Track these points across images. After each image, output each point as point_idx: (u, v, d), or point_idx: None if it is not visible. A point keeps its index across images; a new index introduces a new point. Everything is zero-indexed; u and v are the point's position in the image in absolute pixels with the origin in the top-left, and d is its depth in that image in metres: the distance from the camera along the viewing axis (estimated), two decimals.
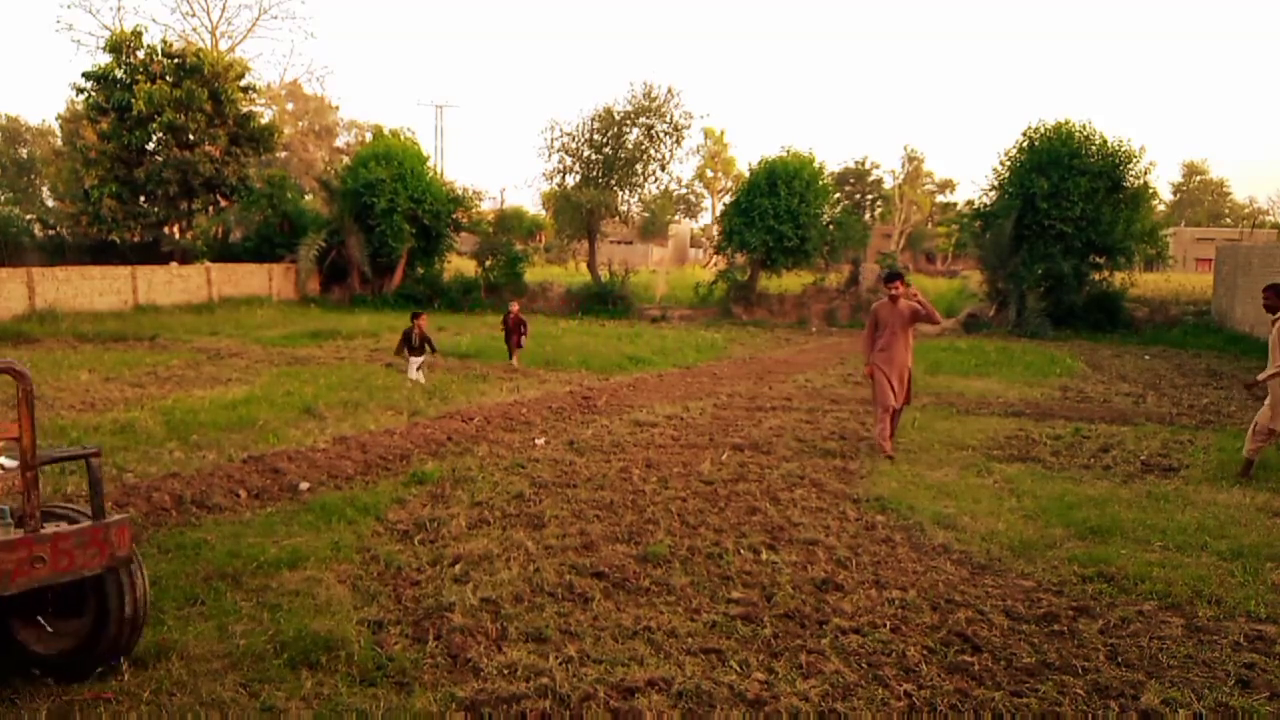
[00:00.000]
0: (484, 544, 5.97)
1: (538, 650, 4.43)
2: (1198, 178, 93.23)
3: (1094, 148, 24.06)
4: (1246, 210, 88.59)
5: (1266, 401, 8.15)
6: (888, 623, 4.83)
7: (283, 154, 44.02)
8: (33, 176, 56.57)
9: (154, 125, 28.54)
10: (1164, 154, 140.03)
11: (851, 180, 71.18)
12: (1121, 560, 5.79)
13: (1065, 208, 23.57)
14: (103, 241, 30.37)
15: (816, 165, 28.09)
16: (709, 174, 74.33)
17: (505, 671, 4.19)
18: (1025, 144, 24.94)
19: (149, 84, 28.36)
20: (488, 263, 29.90)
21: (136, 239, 30.85)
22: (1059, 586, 5.43)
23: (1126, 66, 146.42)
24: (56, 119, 45.33)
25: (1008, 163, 25.33)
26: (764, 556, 5.86)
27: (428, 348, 13.31)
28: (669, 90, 29.23)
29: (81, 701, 3.86)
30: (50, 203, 47.85)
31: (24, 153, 59.39)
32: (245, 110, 31.11)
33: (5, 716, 3.76)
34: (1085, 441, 9.84)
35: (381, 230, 27.82)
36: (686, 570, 5.61)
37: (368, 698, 3.95)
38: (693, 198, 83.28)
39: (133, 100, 28.08)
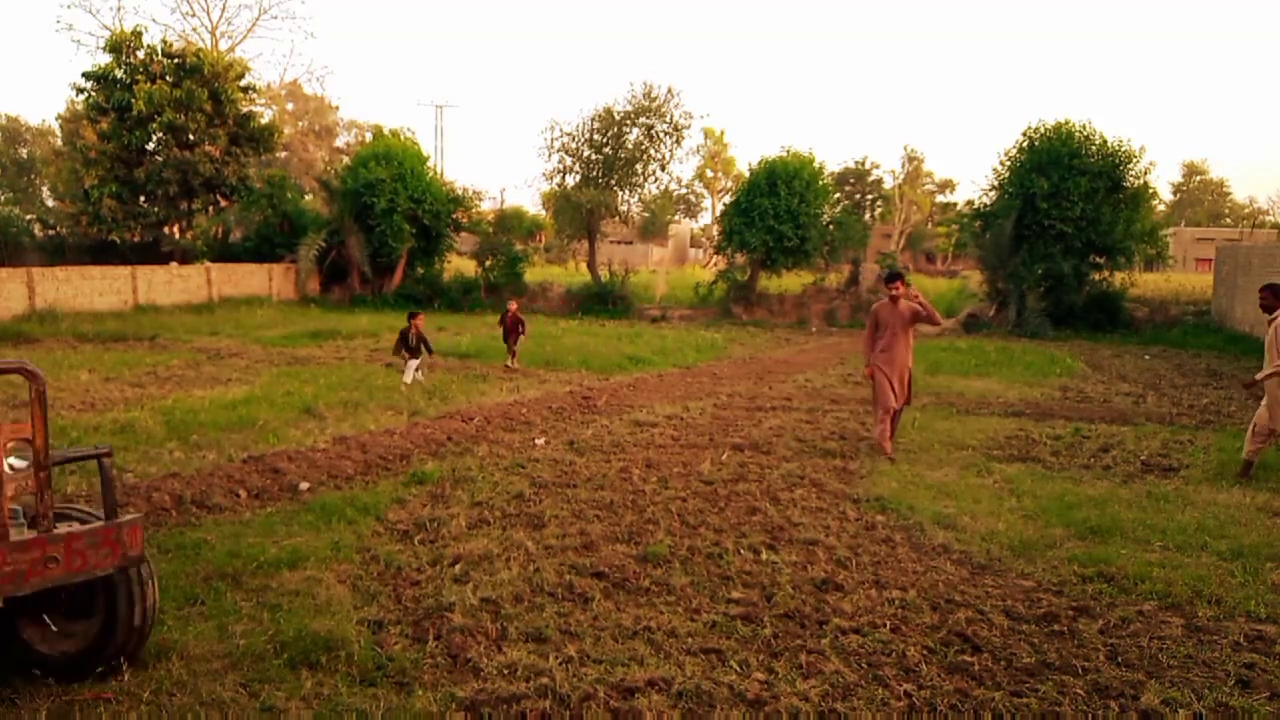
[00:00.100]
0: (484, 544, 5.97)
1: (538, 650, 4.43)
2: (1198, 178, 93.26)
3: (1094, 148, 24.06)
4: (1246, 210, 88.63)
5: (1264, 402, 8.16)
6: (888, 623, 4.83)
7: (283, 154, 44.03)
8: (33, 176, 56.59)
9: (154, 125, 28.54)
10: (1164, 154, 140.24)
11: (851, 180, 71.19)
12: (1121, 560, 5.79)
13: (1065, 208, 23.57)
14: (103, 241, 30.38)
15: (816, 165, 28.09)
16: (709, 174, 74.34)
17: (505, 671, 4.19)
18: (1025, 144, 24.94)
19: (149, 84, 28.36)
20: (488, 263, 29.90)
21: (136, 239, 30.86)
22: (1059, 586, 5.43)
23: (1126, 66, 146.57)
24: (56, 119, 45.38)
25: (1008, 163, 25.33)
26: (764, 556, 5.86)
27: (424, 349, 13.06)
28: (669, 90, 29.26)
29: (81, 701, 3.86)
30: (50, 203, 47.85)
31: (24, 153, 59.41)
32: (245, 110, 31.11)
33: (5, 716, 3.76)
34: (1085, 441, 9.84)
35: (381, 230, 27.82)
36: (686, 570, 5.61)
37: (368, 698, 3.95)
38: (693, 198, 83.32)
39: (133, 100, 28.09)
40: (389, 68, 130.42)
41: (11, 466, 3.94)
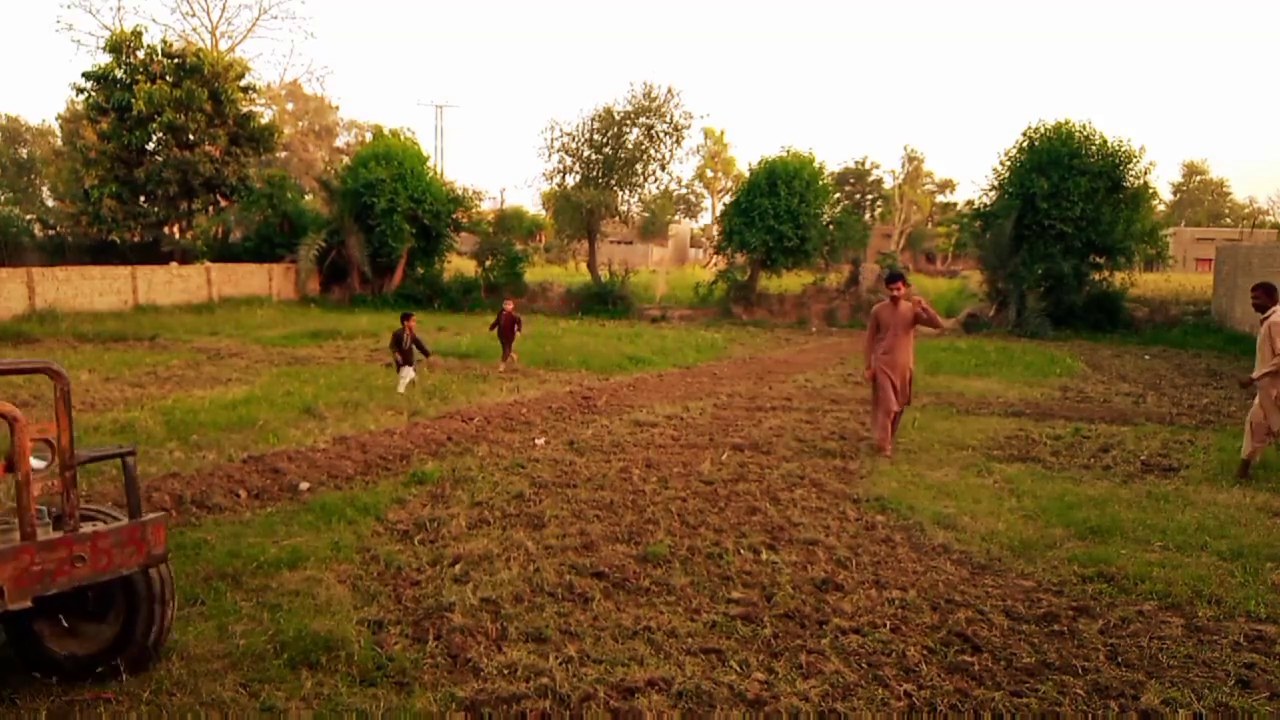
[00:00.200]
0: (484, 544, 5.97)
1: (538, 650, 4.43)
2: (1198, 178, 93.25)
3: (1094, 148, 24.06)
4: (1246, 210, 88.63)
5: (1256, 400, 8.17)
6: (888, 623, 4.83)
7: (283, 154, 44.03)
8: (33, 176, 56.59)
9: (154, 125, 28.56)
10: (1164, 154, 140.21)
11: (851, 180, 71.19)
12: (1121, 560, 5.79)
13: (1065, 208, 23.57)
14: (103, 241, 30.39)
15: (816, 165, 28.10)
16: (709, 174, 74.35)
17: (505, 671, 4.19)
18: (1025, 144, 24.95)
19: (149, 84, 28.37)
20: (488, 263, 29.91)
21: (136, 239, 30.87)
22: (1059, 586, 5.43)
23: (1126, 66, 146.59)
24: (56, 119, 45.40)
25: (1008, 163, 25.34)
26: (764, 556, 5.86)
27: (418, 351, 12.68)
28: (669, 90, 29.30)
29: (81, 701, 3.86)
30: (50, 203, 47.87)
31: (24, 153, 59.41)
32: (245, 110, 31.13)
33: (5, 716, 3.76)
34: (1085, 441, 9.83)
35: (381, 230, 27.83)
36: (686, 570, 5.61)
37: (368, 698, 3.95)
38: (693, 198, 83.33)
39: (133, 100, 28.10)
40: (389, 68, 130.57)
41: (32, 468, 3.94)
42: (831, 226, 28.53)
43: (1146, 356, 19.00)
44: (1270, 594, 5.28)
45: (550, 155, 30.29)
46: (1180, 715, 3.89)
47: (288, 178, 32.75)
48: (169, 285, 25.02)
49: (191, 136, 29.19)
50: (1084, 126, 24.39)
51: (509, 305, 15.70)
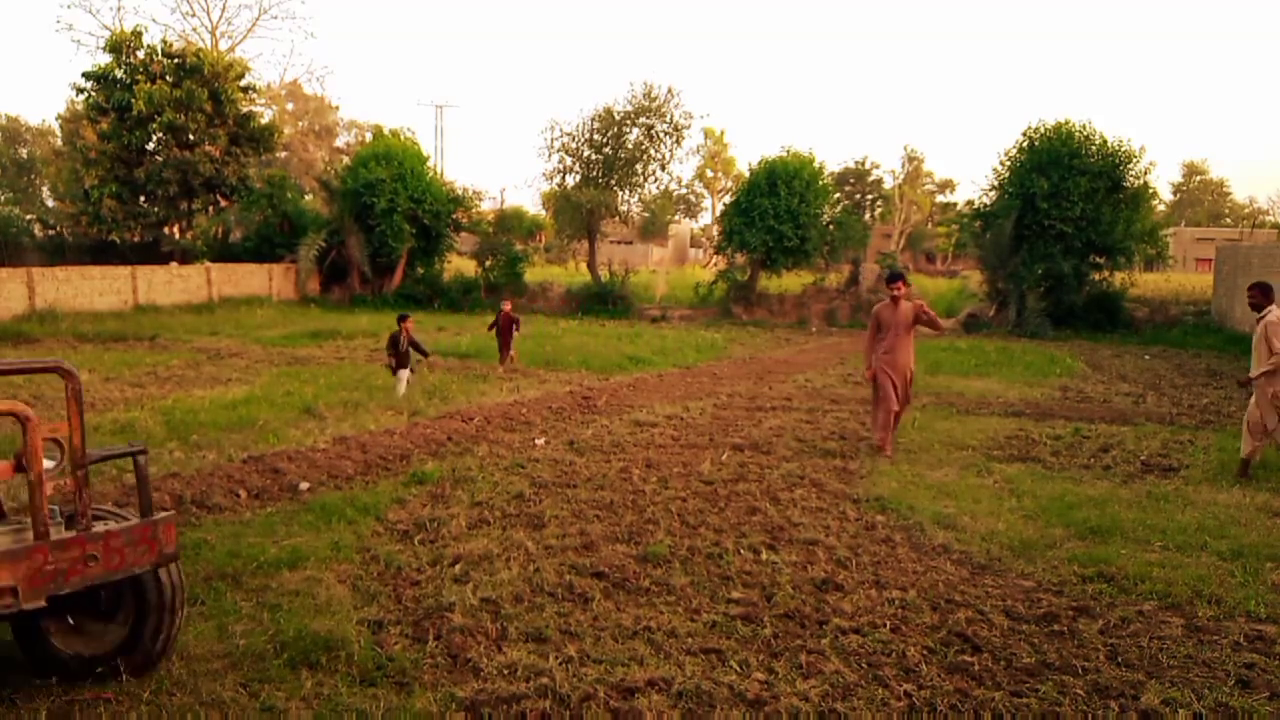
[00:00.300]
0: (484, 544, 5.97)
1: (538, 650, 4.43)
2: (1198, 178, 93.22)
3: (1094, 148, 24.07)
4: (1246, 210, 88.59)
5: (1252, 400, 8.19)
6: (888, 623, 4.83)
7: (283, 154, 44.03)
8: (33, 176, 56.58)
9: (154, 125, 28.56)
10: (1164, 154, 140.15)
11: (851, 180, 71.17)
12: (1121, 560, 5.79)
13: (1065, 208, 23.57)
14: (103, 241, 30.39)
15: (816, 165, 28.11)
16: (709, 174, 74.34)
17: (505, 671, 4.19)
18: (1025, 144, 24.95)
19: (149, 84, 28.37)
20: (488, 263, 29.91)
21: (136, 239, 30.87)
22: (1059, 586, 5.43)
23: (1126, 66, 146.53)
24: (56, 119, 45.40)
25: (1008, 163, 25.34)
26: (764, 556, 5.86)
27: (416, 352, 12.48)
28: (669, 90, 29.30)
29: (81, 701, 3.86)
30: (50, 203, 47.87)
31: (24, 153, 59.38)
32: (245, 110, 31.13)
33: (5, 716, 3.76)
34: (1085, 441, 9.84)
35: (381, 230, 27.83)
36: (686, 570, 5.61)
37: (368, 698, 3.95)
38: (693, 198, 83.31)
39: (133, 100, 28.10)
40: (389, 68, 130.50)
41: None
42: (831, 226, 28.53)
43: (1146, 356, 19.00)
44: (1270, 594, 5.28)
45: (550, 155, 30.34)
46: (1180, 715, 3.89)
47: (288, 178, 32.76)
48: (169, 285, 25.03)
49: (191, 136, 29.19)
50: (1084, 126, 24.40)
51: (507, 305, 15.56)
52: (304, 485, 7.33)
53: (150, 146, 29.50)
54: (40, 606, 3.50)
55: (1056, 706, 3.97)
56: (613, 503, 7.07)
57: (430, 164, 31.11)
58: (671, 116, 29.32)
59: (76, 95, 30.53)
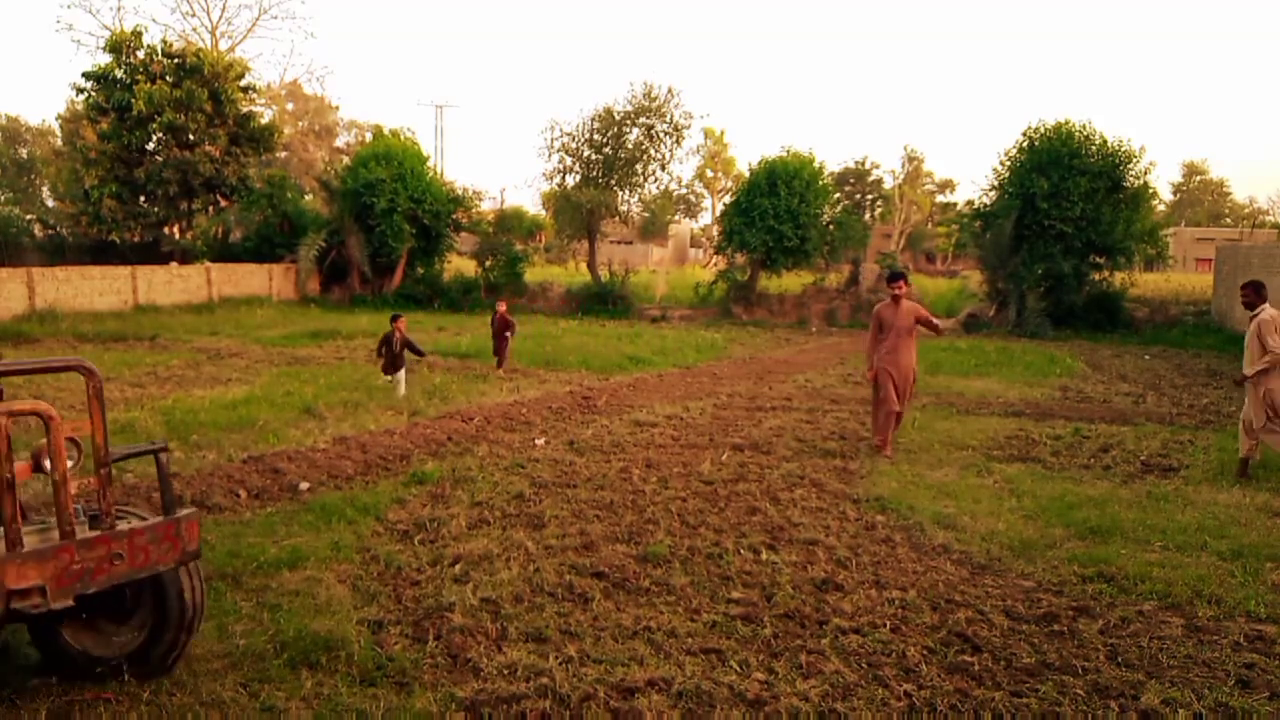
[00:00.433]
0: (484, 544, 5.97)
1: (538, 650, 4.43)
2: (1198, 178, 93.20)
3: (1094, 148, 24.06)
4: (1246, 210, 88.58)
5: (1247, 400, 8.23)
6: (888, 623, 4.83)
7: (283, 154, 44.02)
8: (33, 176, 56.57)
9: (154, 125, 28.54)
10: (1164, 154, 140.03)
11: (851, 180, 71.17)
12: (1121, 560, 5.79)
13: (1065, 208, 23.57)
14: (103, 241, 30.38)
15: (816, 165, 28.09)
16: (709, 174, 74.33)
17: (505, 671, 4.19)
18: (1025, 144, 24.94)
19: (149, 84, 28.36)
20: (488, 263, 29.91)
21: (136, 239, 30.86)
22: (1059, 586, 5.43)
23: (1126, 66, 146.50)
24: (56, 119, 45.44)
25: (1008, 163, 25.34)
26: (764, 556, 5.86)
27: (410, 353, 12.36)
28: (669, 90, 29.28)
29: (81, 701, 3.86)
30: (50, 203, 47.86)
31: (24, 153, 59.37)
32: (245, 110, 31.11)
33: (5, 717, 3.76)
34: (1085, 441, 9.84)
35: (381, 230, 27.82)
36: (686, 570, 5.61)
37: (368, 698, 3.95)
38: (693, 198, 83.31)
39: (133, 100, 28.09)
40: (389, 68, 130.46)
41: (44, 470, 3.94)
42: (831, 226, 28.52)
43: (1146, 356, 19.00)
44: (1270, 594, 5.28)
45: (550, 155, 30.32)
46: (1180, 715, 3.89)
47: (288, 178, 32.75)
48: (169, 285, 25.02)
49: (191, 136, 29.18)
50: (1084, 126, 24.39)
51: (502, 306, 15.21)
52: (304, 485, 7.33)
53: (150, 146, 29.49)
54: (68, 606, 3.50)
55: (1056, 706, 3.97)
56: (613, 503, 7.07)
57: (430, 164, 31.11)
58: (671, 116, 29.32)
59: (76, 95, 30.54)
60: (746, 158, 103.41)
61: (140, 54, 29.39)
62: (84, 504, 3.89)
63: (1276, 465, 8.41)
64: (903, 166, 74.32)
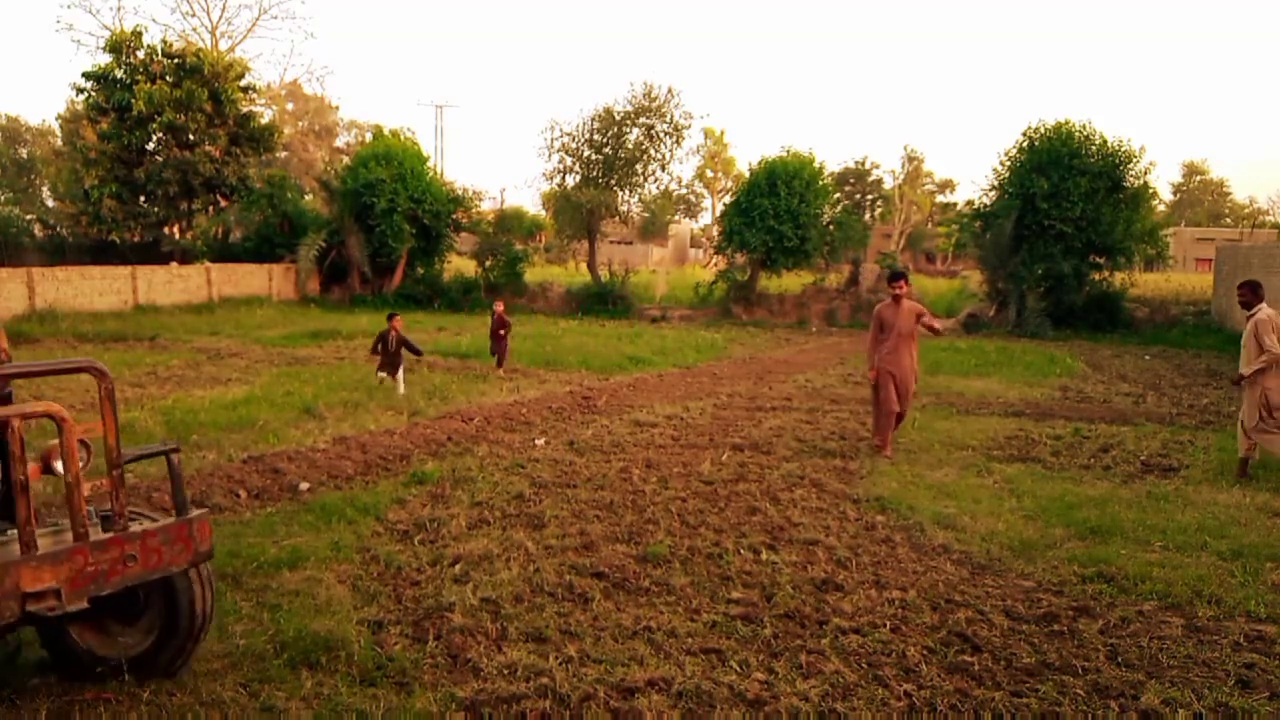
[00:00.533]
0: (484, 544, 5.97)
1: (538, 650, 4.43)
2: (1198, 178, 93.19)
3: (1094, 148, 24.05)
4: (1246, 210, 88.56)
5: (1245, 400, 8.26)
6: (888, 623, 4.83)
7: (283, 154, 44.00)
8: (33, 176, 56.57)
9: (154, 125, 28.54)
10: (1164, 154, 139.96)
11: (851, 180, 71.16)
12: (1121, 560, 5.79)
13: (1065, 208, 23.56)
14: (103, 241, 30.38)
15: (816, 165, 28.07)
16: (709, 174, 74.35)
17: (505, 671, 4.19)
18: (1025, 144, 24.93)
19: (149, 84, 28.35)
20: (488, 263, 29.91)
21: (136, 239, 30.85)
22: (1059, 586, 5.43)
23: (1126, 66, 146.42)
24: (56, 119, 45.42)
25: (1008, 163, 25.32)
26: (764, 556, 5.86)
27: (408, 352, 12.25)
28: (669, 90, 29.27)
29: (81, 701, 3.86)
30: (50, 203, 47.86)
31: (24, 153, 59.37)
32: (245, 110, 31.10)
33: (5, 717, 3.76)
34: (1085, 441, 9.84)
35: (381, 230, 27.82)
36: (686, 570, 5.61)
37: (368, 698, 3.95)
38: (693, 198, 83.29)
39: (133, 100, 28.08)
40: (389, 68, 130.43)
41: (54, 471, 3.95)
42: (831, 226, 28.50)
43: (1146, 356, 18.99)
44: (1270, 594, 5.28)
45: (550, 155, 30.31)
46: (1180, 715, 3.89)
47: (288, 178, 32.75)
48: (169, 285, 25.02)
49: (191, 136, 29.18)
50: (1084, 126, 24.38)
51: (499, 306, 15.13)
52: (304, 485, 7.33)
53: (150, 146, 29.48)
54: (82, 608, 3.50)
55: (1056, 706, 3.97)
56: (613, 503, 7.07)
57: (430, 164, 31.11)
58: (671, 116, 29.31)
59: (76, 95, 30.52)
60: (746, 158, 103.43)
61: (140, 54, 29.38)
62: (95, 505, 3.89)
63: (1276, 465, 8.41)
64: (903, 166, 74.35)
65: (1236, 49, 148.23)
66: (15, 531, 3.45)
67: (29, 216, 38.97)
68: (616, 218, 31.79)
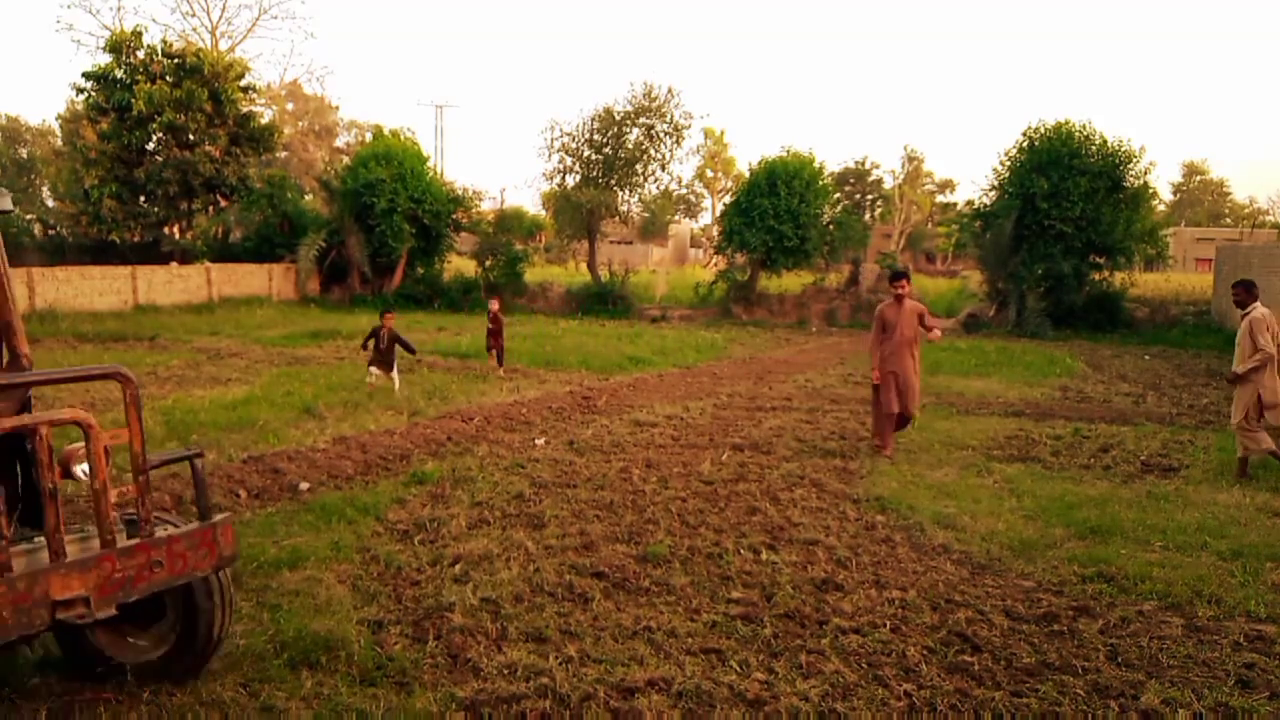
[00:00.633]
0: (484, 544, 5.97)
1: (538, 650, 4.43)
2: (1198, 178, 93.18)
3: (1094, 148, 24.05)
4: (1246, 210, 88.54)
5: (1235, 396, 8.28)
6: (888, 623, 4.83)
7: (283, 154, 44.01)
8: (33, 176, 56.54)
9: (154, 125, 28.53)
10: (1164, 154, 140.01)
11: (851, 180, 71.15)
12: (1121, 560, 5.79)
13: (1065, 208, 23.56)
14: (103, 241, 30.38)
15: (816, 165, 28.06)
16: (709, 174, 74.34)
17: (505, 671, 4.19)
18: (1025, 144, 24.92)
19: (149, 84, 28.35)
20: (488, 263, 29.90)
21: (136, 239, 30.86)
22: (1059, 586, 5.43)
23: (1126, 66, 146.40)
24: (56, 119, 45.41)
25: (1008, 163, 25.32)
26: (764, 556, 5.86)
27: (401, 349, 12.09)
28: (669, 90, 29.26)
29: (81, 701, 3.86)
30: (50, 203, 47.88)
31: (24, 153, 59.35)
32: (245, 110, 31.10)
33: (5, 717, 3.76)
34: (1085, 441, 9.84)
35: (381, 230, 27.83)
36: (686, 570, 5.61)
37: (368, 698, 3.95)
38: (693, 198, 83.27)
39: (133, 100, 28.08)
40: (389, 68, 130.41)
41: (73, 476, 3.95)
42: (831, 226, 28.50)
43: (1146, 356, 18.99)
44: (1270, 594, 5.28)
45: (550, 155, 30.31)
46: (1180, 715, 3.89)
47: (288, 178, 32.75)
48: (169, 285, 25.03)
49: (191, 136, 29.17)
50: (1084, 126, 24.37)
51: (494, 305, 15.04)
52: (304, 485, 7.33)
53: (150, 146, 29.48)
54: (111, 615, 3.50)
55: (1056, 706, 3.97)
56: (613, 503, 7.07)
57: (430, 164, 31.11)
58: (671, 116, 29.31)
59: (76, 95, 30.51)
60: (746, 158, 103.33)
61: (140, 54, 29.38)
62: (120, 511, 3.89)
63: (1276, 465, 8.41)
64: (903, 166, 74.34)
65: (1236, 49, 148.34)
66: (43, 539, 3.44)
67: (29, 216, 38.99)
68: (616, 218, 31.80)
